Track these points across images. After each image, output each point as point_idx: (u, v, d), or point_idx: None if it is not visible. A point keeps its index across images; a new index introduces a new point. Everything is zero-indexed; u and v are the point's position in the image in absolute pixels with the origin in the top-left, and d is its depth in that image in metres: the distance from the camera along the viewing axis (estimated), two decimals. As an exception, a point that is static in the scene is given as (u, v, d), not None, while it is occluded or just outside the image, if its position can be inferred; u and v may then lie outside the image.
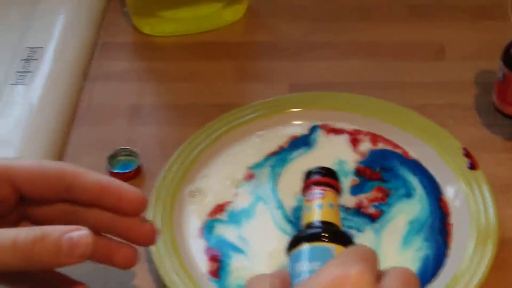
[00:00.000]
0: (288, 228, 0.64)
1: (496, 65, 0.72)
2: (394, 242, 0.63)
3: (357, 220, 0.64)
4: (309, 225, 0.56)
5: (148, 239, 0.54)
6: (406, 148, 0.69)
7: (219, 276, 0.62)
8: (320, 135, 0.71)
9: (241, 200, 0.67)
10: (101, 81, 0.80)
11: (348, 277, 0.44)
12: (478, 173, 0.66)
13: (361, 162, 0.69)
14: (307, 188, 0.59)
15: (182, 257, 0.62)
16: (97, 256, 0.52)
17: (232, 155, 0.70)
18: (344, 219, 0.64)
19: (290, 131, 0.71)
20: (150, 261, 0.64)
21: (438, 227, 0.64)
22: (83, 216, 0.52)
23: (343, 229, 0.57)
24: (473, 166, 0.66)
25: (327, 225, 0.55)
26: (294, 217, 0.65)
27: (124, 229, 0.53)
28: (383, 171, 0.68)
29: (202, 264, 0.62)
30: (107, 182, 0.51)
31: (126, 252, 0.53)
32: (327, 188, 0.58)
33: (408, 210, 0.65)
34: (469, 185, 0.65)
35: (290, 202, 0.66)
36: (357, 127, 0.71)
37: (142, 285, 0.63)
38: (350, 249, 0.49)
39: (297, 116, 0.72)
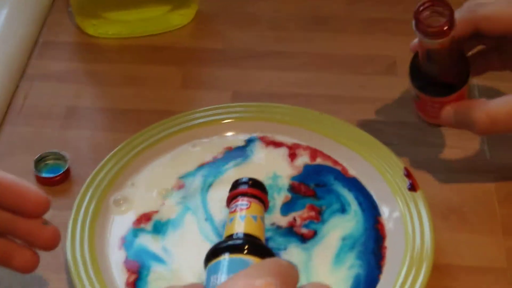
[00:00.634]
0: (216, 240, 0.61)
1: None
2: (326, 260, 0.60)
3: (288, 239, 0.62)
4: (230, 237, 0.53)
5: (49, 243, 0.52)
6: (345, 165, 0.67)
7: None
8: (258, 147, 0.68)
9: (168, 210, 0.64)
10: (38, 81, 0.77)
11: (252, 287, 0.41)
12: (417, 194, 0.63)
13: (294, 178, 0.66)
14: (232, 199, 0.57)
15: (100, 268, 0.59)
16: None
17: (163, 164, 0.67)
18: (273, 238, 0.61)
19: (226, 141, 0.69)
20: (67, 271, 0.61)
21: (372, 248, 0.61)
22: None
23: (266, 244, 0.54)
24: (413, 187, 0.64)
25: (248, 238, 0.52)
26: (224, 230, 0.62)
27: (24, 231, 0.51)
28: (317, 187, 0.65)
29: (120, 275, 0.60)
30: (9, 180, 0.50)
31: (25, 256, 0.51)
32: (252, 200, 0.56)
33: (342, 226, 0.63)
34: (407, 206, 0.62)
35: (220, 215, 0.63)
36: (296, 141, 0.68)
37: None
38: (263, 261, 0.45)
39: (234, 127, 0.69)
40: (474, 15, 0.62)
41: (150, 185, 0.66)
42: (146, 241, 0.62)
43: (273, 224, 0.62)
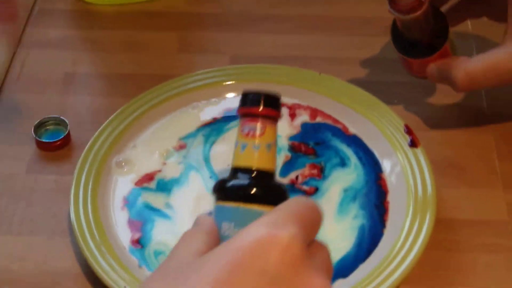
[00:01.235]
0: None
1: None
2: (330, 211, 0.61)
3: (290, 196, 0.62)
4: (240, 171, 0.49)
5: None
6: (345, 123, 0.67)
7: (141, 245, 0.59)
8: (259, 108, 0.68)
9: (171, 169, 0.64)
10: (35, 48, 0.77)
11: (276, 238, 0.39)
12: (418, 150, 0.63)
13: (293, 137, 0.66)
14: (243, 116, 0.49)
15: (104, 228, 0.59)
16: None
17: (164, 126, 0.67)
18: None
19: (226, 103, 0.69)
20: (72, 233, 0.61)
21: (375, 203, 0.61)
22: None
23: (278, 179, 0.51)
24: (414, 144, 0.64)
25: (260, 176, 0.48)
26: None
27: None
28: (317, 145, 0.65)
29: (125, 234, 0.60)
30: None
31: None
32: (267, 123, 0.49)
33: (343, 179, 0.63)
34: (408, 161, 0.62)
35: (225, 173, 0.63)
36: (297, 101, 0.68)
37: (63, 257, 0.61)
38: (284, 204, 0.42)
39: (234, 88, 0.69)
40: None
41: (151, 146, 0.66)
42: (150, 199, 0.62)
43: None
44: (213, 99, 0.69)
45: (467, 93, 0.71)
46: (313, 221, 0.42)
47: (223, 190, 0.48)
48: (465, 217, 0.62)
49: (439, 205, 0.60)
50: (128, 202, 0.62)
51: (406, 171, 0.62)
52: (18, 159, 0.67)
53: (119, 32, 0.79)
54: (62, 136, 0.67)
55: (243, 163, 0.49)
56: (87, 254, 0.57)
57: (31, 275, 0.60)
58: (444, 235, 0.61)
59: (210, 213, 0.48)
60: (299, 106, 0.68)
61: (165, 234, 0.60)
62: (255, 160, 0.48)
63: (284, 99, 0.68)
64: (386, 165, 0.64)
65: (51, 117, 0.69)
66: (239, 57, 0.75)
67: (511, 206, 0.63)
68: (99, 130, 0.65)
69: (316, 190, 0.62)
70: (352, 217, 0.61)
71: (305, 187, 0.63)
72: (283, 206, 0.42)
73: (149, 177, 0.64)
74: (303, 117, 0.67)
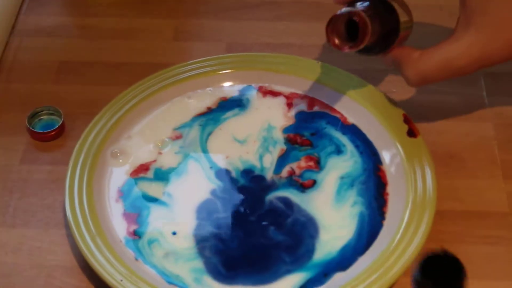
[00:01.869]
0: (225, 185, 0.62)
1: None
2: (327, 198, 0.61)
3: (288, 188, 0.61)
4: None
5: None
6: (344, 112, 0.66)
7: (138, 236, 0.59)
8: (255, 97, 0.67)
9: (168, 159, 0.63)
10: (28, 36, 0.76)
11: None
12: (417, 140, 0.62)
13: (286, 129, 0.65)
14: None
15: (99, 220, 0.59)
16: None
17: (159, 116, 0.66)
18: (276, 189, 0.62)
19: (222, 92, 0.68)
20: (67, 225, 0.60)
21: (375, 195, 0.61)
22: None
23: None
24: (413, 133, 0.63)
25: None
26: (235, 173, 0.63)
27: None
28: (312, 136, 0.65)
29: (120, 226, 0.59)
30: None
31: None
32: None
33: (339, 166, 0.63)
34: (407, 151, 0.62)
35: (223, 163, 0.63)
36: (294, 90, 0.67)
37: (58, 251, 0.60)
38: None
39: (231, 77, 0.68)
40: None
41: (147, 136, 0.65)
42: (147, 188, 0.62)
43: (274, 176, 0.62)
44: (209, 89, 0.68)
45: (466, 81, 0.70)
46: None
47: None
48: (465, 209, 0.62)
49: (438, 196, 0.60)
50: (123, 194, 0.61)
51: (405, 162, 0.61)
52: (11, 149, 0.66)
53: (113, 19, 0.77)
54: (56, 126, 0.66)
55: None
56: (82, 247, 0.57)
57: (26, 267, 0.59)
58: (444, 227, 0.60)
59: None
60: (296, 95, 0.67)
61: (161, 220, 0.60)
62: None
63: (281, 88, 0.68)
64: (385, 156, 0.63)
65: (45, 107, 0.68)
66: (235, 45, 0.74)
67: (511, 196, 0.62)
68: (93, 120, 0.65)
69: (314, 183, 0.62)
70: (351, 205, 0.60)
71: (302, 180, 0.62)
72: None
73: (145, 167, 0.63)
74: (300, 107, 0.67)
